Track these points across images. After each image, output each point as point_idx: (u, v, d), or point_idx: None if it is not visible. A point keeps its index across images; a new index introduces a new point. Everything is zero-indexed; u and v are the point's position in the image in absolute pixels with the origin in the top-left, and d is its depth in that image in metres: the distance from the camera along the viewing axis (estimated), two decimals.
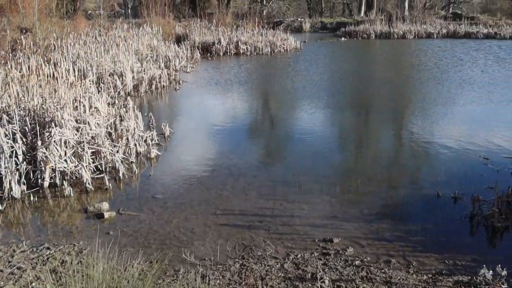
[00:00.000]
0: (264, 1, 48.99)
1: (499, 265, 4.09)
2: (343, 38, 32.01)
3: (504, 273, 4.02)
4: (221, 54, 22.65)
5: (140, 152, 7.74)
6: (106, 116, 8.29)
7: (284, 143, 8.79)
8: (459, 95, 12.45)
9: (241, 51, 22.88)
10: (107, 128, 7.80)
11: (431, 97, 12.28)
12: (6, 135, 6.60)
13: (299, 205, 5.72)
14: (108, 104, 9.59)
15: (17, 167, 6.27)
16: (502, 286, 3.99)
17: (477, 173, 6.74)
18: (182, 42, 23.33)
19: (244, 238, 4.94)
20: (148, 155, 7.68)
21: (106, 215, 5.51)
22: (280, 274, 4.25)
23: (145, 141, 8.01)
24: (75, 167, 6.61)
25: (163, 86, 14.12)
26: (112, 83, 12.54)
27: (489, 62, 18.95)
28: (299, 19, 43.65)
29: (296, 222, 5.30)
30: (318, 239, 4.89)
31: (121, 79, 13.00)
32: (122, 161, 7.04)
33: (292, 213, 5.52)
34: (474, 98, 12.07)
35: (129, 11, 47.35)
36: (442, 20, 37.84)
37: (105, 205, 5.71)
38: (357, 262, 4.43)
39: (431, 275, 4.23)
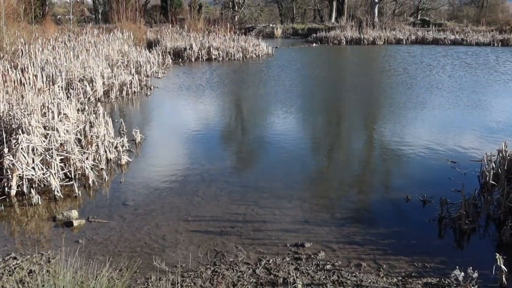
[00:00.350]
0: (236, 7, 49.17)
1: (471, 267, 4.16)
2: (314, 44, 32.32)
3: (475, 275, 4.09)
4: (193, 59, 22.59)
5: (110, 159, 7.64)
6: (75, 123, 8.18)
7: (256, 149, 8.80)
8: (428, 99, 12.69)
9: (213, 57, 22.88)
10: (76, 135, 7.69)
11: (401, 102, 12.49)
12: None
13: (271, 210, 5.73)
14: (78, 110, 9.47)
15: None
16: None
17: (445, 177, 6.86)
18: (153, 47, 23.20)
19: (216, 244, 4.92)
20: (119, 161, 7.59)
21: (75, 223, 5.42)
22: (252, 279, 4.25)
23: (116, 147, 7.92)
24: (43, 174, 6.48)
25: (134, 92, 13.99)
26: (82, 89, 12.37)
27: (456, 68, 19.40)
28: (271, 25, 43.92)
29: (268, 227, 5.30)
30: (290, 244, 4.91)
31: (91, 84, 12.83)
32: (92, 168, 6.94)
33: (264, 218, 5.53)
34: (442, 102, 12.31)
35: (100, 16, 46.84)
36: (411, 26, 38.58)
37: (74, 213, 5.61)
38: (328, 266, 4.46)
39: (401, 278, 4.28)
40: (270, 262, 4.54)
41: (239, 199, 6.07)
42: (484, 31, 34.41)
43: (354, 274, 4.33)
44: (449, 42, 32.06)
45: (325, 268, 4.44)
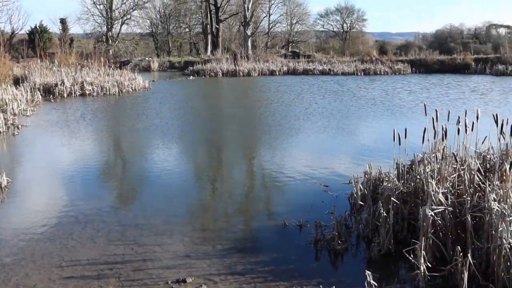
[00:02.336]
0: (110, 41, 48.21)
1: (334, 286, 4.41)
2: (191, 77, 32.63)
3: None
4: (65, 95, 21.67)
5: None
6: None
7: (135, 185, 8.59)
8: (301, 126, 13.36)
9: (87, 92, 22.15)
10: None
11: (277, 130, 12.99)
12: None
13: (151, 248, 5.60)
14: None
15: None
16: None
17: (319, 200, 7.22)
18: (21, 84, 21.88)
19: None
20: None
21: None
22: None
23: None
24: None
25: (0, 132, 13.02)
26: None
27: (325, 96, 20.70)
28: (147, 58, 43.59)
29: (148, 265, 5.16)
30: (171, 280, 4.81)
31: None
32: None
33: (144, 257, 5.38)
34: (314, 128, 13.03)
35: None
36: (282, 58, 40.53)
37: None
38: None
39: None
40: None
41: (117, 239, 5.86)
42: (348, 62, 37.19)
43: None
44: (318, 72, 34.19)
45: None
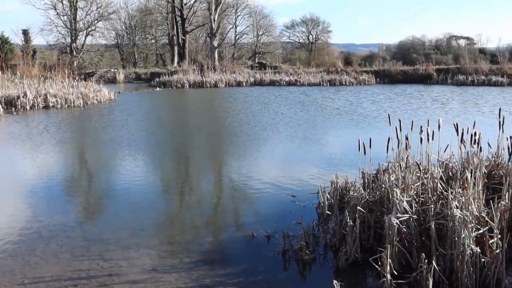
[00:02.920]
0: (75, 52, 47.54)
1: None
2: (158, 88, 32.44)
3: None
4: (28, 108, 21.19)
5: None
6: None
7: (100, 198, 8.44)
8: (268, 137, 13.41)
9: (51, 104, 21.72)
10: None
11: (244, 141, 13.01)
12: None
13: (117, 263, 5.50)
14: None
15: None
16: None
17: (287, 211, 7.24)
18: None
19: None
20: None
21: None
22: None
23: None
24: None
25: None
26: None
27: (291, 106, 20.89)
28: (112, 69, 43.11)
29: (115, 280, 5.07)
30: None
31: None
32: None
33: (110, 271, 5.27)
34: (281, 138, 13.12)
35: None
36: (249, 69, 40.71)
37: None
38: None
39: None
40: None
41: (82, 255, 5.73)
42: (314, 73, 37.63)
43: None
44: (284, 83, 34.47)
45: None
